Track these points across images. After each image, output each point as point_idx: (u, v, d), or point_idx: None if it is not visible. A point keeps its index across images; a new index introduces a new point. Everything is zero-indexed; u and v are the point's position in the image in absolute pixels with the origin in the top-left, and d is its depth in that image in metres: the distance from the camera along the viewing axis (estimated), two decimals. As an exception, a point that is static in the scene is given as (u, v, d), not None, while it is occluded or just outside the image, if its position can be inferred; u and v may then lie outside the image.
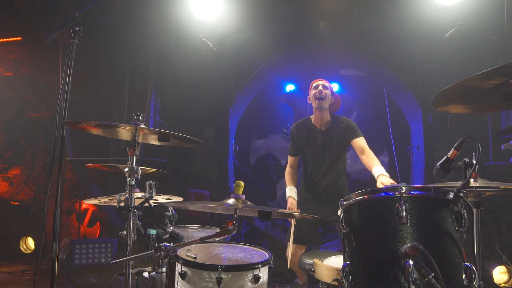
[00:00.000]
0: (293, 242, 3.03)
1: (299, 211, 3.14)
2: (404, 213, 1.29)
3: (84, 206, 5.27)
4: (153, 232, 3.11)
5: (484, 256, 4.48)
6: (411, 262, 1.11)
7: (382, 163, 2.95)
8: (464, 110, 1.82)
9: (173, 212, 3.06)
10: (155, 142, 2.30)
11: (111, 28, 4.86)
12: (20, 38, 5.44)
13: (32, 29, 5.21)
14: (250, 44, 4.91)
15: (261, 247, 2.53)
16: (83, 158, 4.64)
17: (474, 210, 2.04)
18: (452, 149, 1.43)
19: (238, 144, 5.50)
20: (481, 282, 2.04)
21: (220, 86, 4.97)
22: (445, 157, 1.43)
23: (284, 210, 2.83)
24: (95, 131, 2.21)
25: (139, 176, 1.97)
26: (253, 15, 4.73)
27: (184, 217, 4.61)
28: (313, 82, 3.26)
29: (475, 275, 1.27)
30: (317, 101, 3.10)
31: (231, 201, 1.66)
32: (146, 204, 2.23)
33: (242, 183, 1.69)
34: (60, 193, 5.24)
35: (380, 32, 4.77)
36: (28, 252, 5.04)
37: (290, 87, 6.53)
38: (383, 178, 2.67)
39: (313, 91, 3.16)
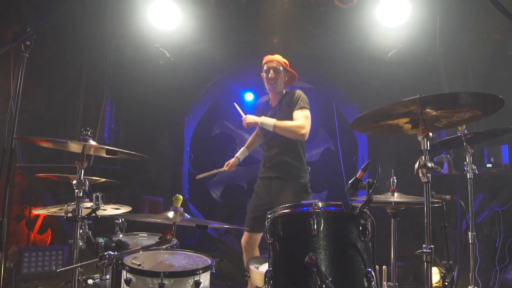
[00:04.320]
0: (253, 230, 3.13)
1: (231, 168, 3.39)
2: (315, 226, 1.51)
3: (34, 212, 5.18)
4: (101, 240, 3.19)
5: (419, 259, 4.89)
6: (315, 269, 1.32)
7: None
8: (379, 132, 2.09)
9: (123, 220, 3.17)
10: (104, 155, 2.41)
11: (68, 31, 4.84)
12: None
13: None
14: (207, 55, 5.07)
15: (205, 254, 2.68)
16: (34, 164, 4.58)
17: (392, 220, 2.34)
18: (360, 171, 1.68)
19: (193, 152, 5.62)
20: (397, 284, 2.32)
21: (176, 95, 5.09)
22: (354, 177, 1.67)
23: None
24: (45, 144, 2.29)
25: (87, 188, 2.08)
26: (209, 26, 4.87)
27: (137, 224, 4.66)
28: (264, 60, 3.19)
29: (373, 278, 1.50)
30: (269, 85, 3.13)
31: (170, 214, 1.81)
32: (93, 215, 2.33)
33: (181, 197, 1.85)
34: (9, 199, 5.13)
35: (329, 48, 5.09)
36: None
37: (249, 96, 6.63)
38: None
39: (264, 74, 3.15)
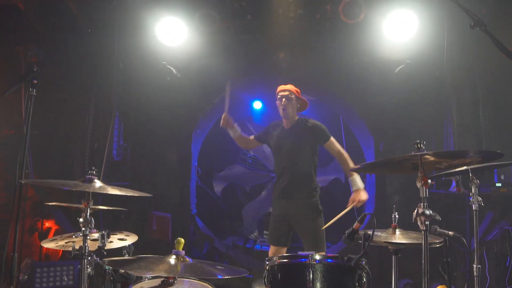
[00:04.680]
0: (273, 244, 3.40)
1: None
2: (310, 277, 1.53)
3: (46, 225, 5.28)
4: (109, 268, 3.26)
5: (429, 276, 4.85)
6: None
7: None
8: (384, 172, 2.10)
9: (130, 244, 3.23)
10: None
11: (77, 48, 4.90)
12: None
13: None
14: (213, 71, 5.09)
15: (208, 282, 2.72)
16: (46, 180, 4.67)
17: (393, 256, 2.34)
18: (356, 222, 1.69)
19: (201, 166, 5.68)
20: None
21: (183, 111, 5.14)
22: (351, 228, 1.68)
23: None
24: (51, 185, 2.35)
25: (93, 226, 2.14)
26: (215, 42, 4.89)
27: (146, 241, 4.73)
28: (278, 89, 3.50)
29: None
30: (282, 112, 3.43)
31: (172, 259, 1.85)
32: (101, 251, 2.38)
33: (182, 240, 1.88)
34: (22, 212, 5.18)
35: (336, 63, 5.07)
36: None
37: (257, 105, 6.64)
38: (356, 194, 3.19)
39: (277, 102, 3.47)
